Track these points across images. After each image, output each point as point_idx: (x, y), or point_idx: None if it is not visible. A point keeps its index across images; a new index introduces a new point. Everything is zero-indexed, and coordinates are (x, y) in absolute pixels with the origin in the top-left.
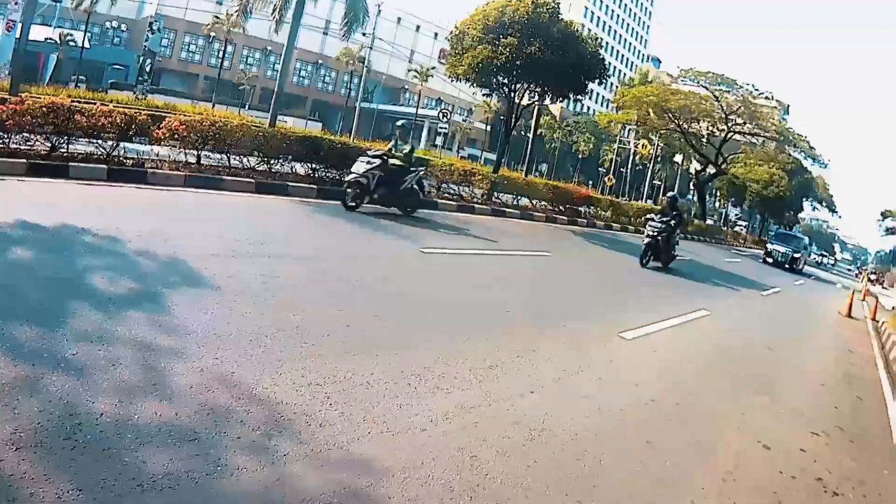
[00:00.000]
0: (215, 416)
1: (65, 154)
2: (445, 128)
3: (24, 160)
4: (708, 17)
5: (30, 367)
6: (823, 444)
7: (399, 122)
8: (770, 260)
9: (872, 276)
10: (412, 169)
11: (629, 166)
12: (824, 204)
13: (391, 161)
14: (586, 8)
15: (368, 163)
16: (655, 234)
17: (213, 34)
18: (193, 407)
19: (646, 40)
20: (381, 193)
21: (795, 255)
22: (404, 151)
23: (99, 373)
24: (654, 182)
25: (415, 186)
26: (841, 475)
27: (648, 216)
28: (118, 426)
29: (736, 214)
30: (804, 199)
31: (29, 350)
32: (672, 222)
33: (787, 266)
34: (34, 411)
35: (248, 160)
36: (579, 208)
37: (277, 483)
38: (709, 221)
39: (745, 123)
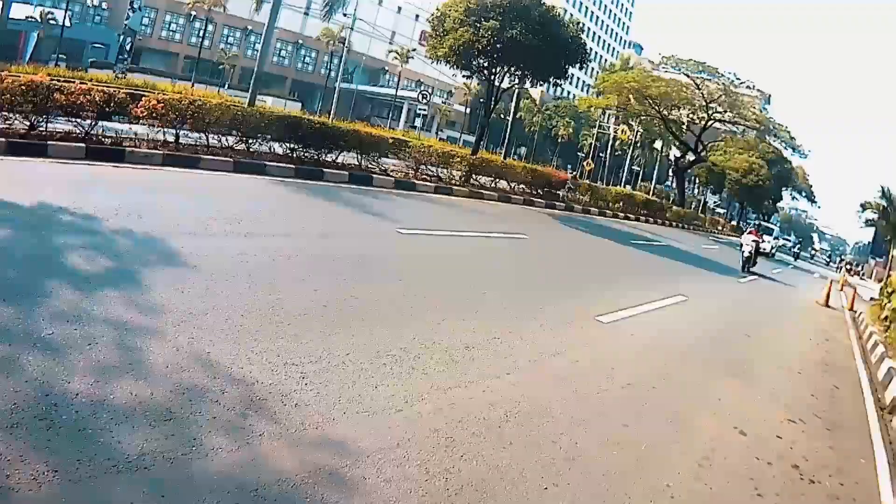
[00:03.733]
0: (190, 395)
1: (43, 133)
2: (425, 110)
3: (3, 139)
4: (691, 5)
5: (5, 346)
6: (800, 431)
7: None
8: None
9: (850, 267)
10: None
11: (608, 151)
12: (804, 194)
13: None
14: None
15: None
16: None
17: (194, 13)
18: (169, 386)
19: (628, 26)
20: None
21: None
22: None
23: (74, 352)
24: (634, 168)
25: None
26: (818, 463)
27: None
28: (94, 406)
29: (715, 202)
30: (783, 189)
31: (4, 329)
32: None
33: None
34: (9, 391)
35: (226, 139)
36: (557, 192)
37: (253, 463)
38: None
39: (725, 112)
